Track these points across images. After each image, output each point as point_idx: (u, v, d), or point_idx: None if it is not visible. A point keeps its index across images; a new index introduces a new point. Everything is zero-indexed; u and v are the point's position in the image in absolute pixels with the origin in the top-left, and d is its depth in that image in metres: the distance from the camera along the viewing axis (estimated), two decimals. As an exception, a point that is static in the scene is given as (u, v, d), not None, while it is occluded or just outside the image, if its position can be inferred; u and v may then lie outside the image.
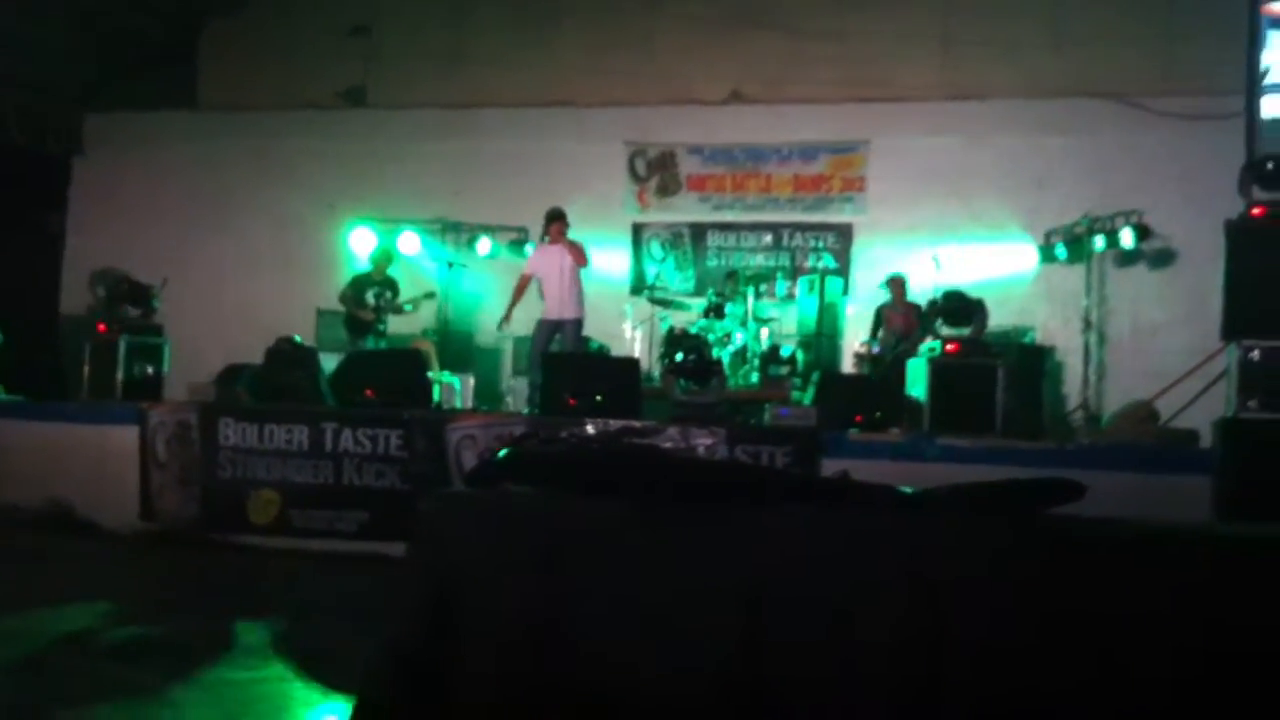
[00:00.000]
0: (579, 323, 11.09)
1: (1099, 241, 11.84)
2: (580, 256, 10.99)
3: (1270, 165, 8.30)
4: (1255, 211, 8.28)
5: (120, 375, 10.30)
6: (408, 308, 12.35)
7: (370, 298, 12.05)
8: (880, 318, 11.95)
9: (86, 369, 10.38)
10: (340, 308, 12.34)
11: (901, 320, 11.67)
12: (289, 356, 10.07)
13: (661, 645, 3.23)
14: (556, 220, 11.04)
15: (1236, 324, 8.05)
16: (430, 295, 12.88)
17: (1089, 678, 2.96)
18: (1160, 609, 2.97)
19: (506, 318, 11.35)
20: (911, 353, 11.06)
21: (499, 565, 3.40)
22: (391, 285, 12.26)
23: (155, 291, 10.91)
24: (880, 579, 3.12)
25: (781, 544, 3.25)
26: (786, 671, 3.14)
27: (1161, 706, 2.93)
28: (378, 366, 10.25)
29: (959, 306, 9.95)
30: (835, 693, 3.10)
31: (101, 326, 10.58)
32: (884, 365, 11.38)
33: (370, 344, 11.87)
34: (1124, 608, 2.99)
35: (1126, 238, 11.56)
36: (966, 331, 9.70)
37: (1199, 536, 3.46)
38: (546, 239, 11.27)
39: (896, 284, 11.91)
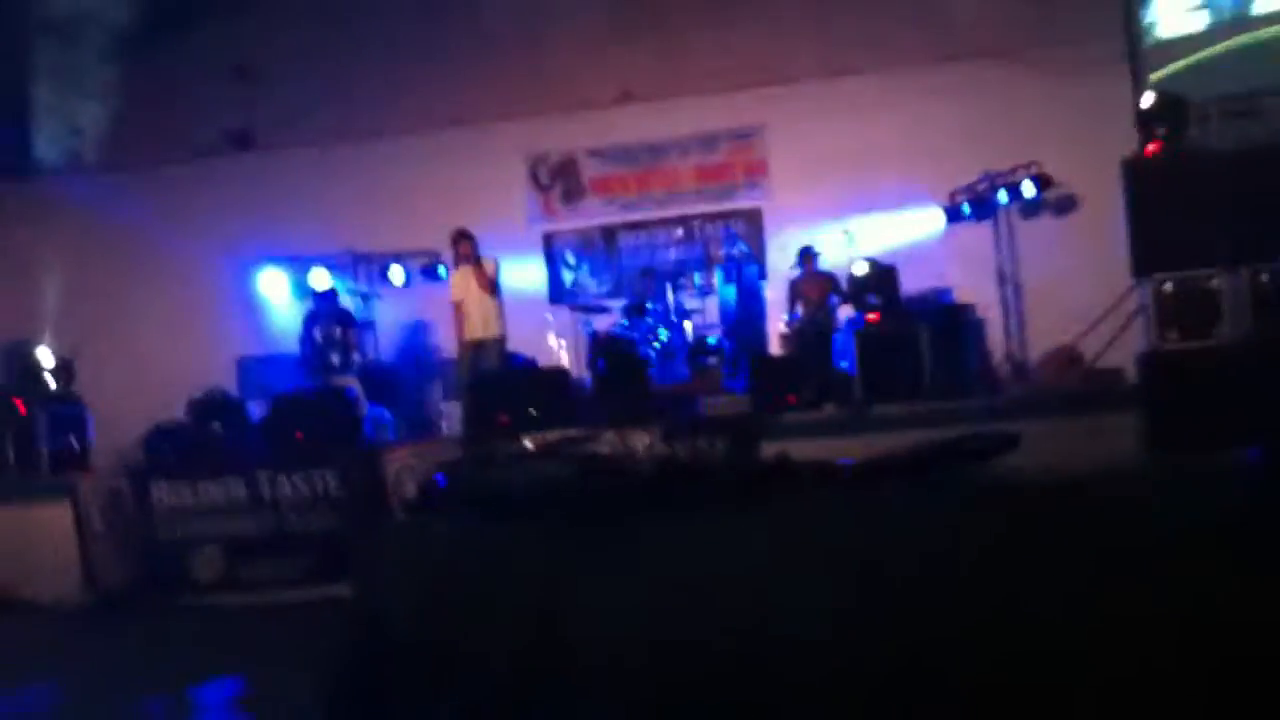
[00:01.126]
0: (501, 340, 11.05)
1: (1002, 196, 11.98)
2: (489, 274, 10.98)
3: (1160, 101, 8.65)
4: (1149, 149, 8.51)
5: (44, 450, 10.12)
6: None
7: (318, 335, 11.87)
8: (796, 291, 12.02)
9: (8, 448, 10.17)
10: (267, 352, 12.23)
11: (816, 291, 11.74)
12: (214, 409, 9.94)
13: (584, 670, 3.21)
14: (461, 241, 11.04)
15: (1147, 260, 8.23)
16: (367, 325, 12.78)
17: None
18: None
19: (462, 344, 11.24)
20: (828, 324, 11.17)
21: (423, 597, 3.37)
22: (343, 319, 12.08)
23: (70, 361, 10.74)
24: (824, 564, 3.13)
25: (695, 559, 3.24)
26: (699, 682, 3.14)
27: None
28: (305, 408, 10.12)
29: (872, 276, 10.06)
30: (788, 684, 3.10)
31: (19, 403, 10.38)
32: (806, 339, 11.42)
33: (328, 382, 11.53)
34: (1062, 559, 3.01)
35: (1028, 189, 11.70)
36: (882, 301, 9.81)
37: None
38: (457, 263, 11.25)
39: (809, 257, 11.97)
